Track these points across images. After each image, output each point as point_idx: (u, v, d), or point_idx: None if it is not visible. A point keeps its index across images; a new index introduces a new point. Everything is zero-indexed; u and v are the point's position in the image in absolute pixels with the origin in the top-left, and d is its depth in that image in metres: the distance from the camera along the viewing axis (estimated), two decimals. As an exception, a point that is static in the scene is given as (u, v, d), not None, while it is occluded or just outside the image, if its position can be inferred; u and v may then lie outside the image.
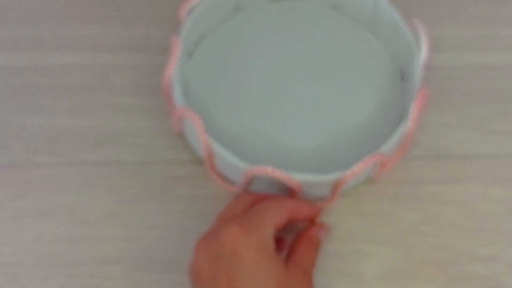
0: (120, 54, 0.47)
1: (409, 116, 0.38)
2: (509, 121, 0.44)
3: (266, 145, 0.41)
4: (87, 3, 0.50)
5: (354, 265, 0.38)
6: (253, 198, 0.34)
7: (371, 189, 0.41)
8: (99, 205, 0.40)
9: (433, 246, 0.39)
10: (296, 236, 0.34)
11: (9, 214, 0.39)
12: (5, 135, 0.42)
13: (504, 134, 0.44)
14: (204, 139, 0.36)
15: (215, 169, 0.40)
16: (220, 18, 0.47)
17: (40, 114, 0.44)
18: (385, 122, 0.42)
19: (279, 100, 0.43)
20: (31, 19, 0.49)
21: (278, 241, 0.35)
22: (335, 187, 0.37)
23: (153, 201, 0.40)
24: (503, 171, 0.42)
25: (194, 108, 0.38)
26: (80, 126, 0.43)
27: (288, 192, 0.38)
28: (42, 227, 0.39)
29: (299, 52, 0.46)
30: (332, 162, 0.40)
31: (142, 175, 0.41)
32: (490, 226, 0.40)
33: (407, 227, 0.39)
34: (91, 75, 0.46)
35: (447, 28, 0.50)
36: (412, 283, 0.37)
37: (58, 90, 0.45)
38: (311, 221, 0.35)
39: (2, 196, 0.40)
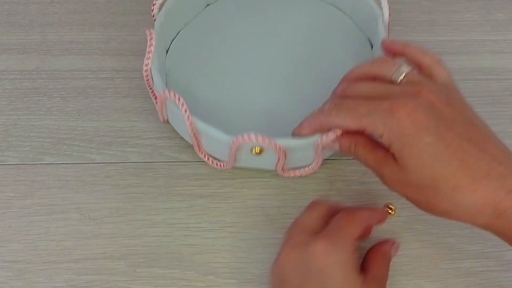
0: (125, 58, 0.48)
1: None
2: (500, 123, 0.45)
3: (251, 120, 0.42)
4: (93, 9, 0.51)
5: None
6: (326, 208, 0.35)
7: (366, 189, 0.41)
8: (105, 203, 0.40)
9: (427, 243, 0.39)
10: (370, 252, 0.36)
11: (17, 212, 0.40)
12: (14, 136, 0.43)
13: (495, 135, 0.45)
14: (187, 116, 0.36)
15: (203, 149, 0.39)
16: (192, 12, 0.47)
17: (48, 116, 0.44)
18: None
19: (257, 79, 0.44)
20: (38, 25, 0.50)
21: None
22: (319, 150, 0.37)
23: (157, 199, 0.40)
24: (494, 171, 0.43)
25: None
26: (87, 127, 0.44)
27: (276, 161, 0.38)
28: (50, 225, 0.39)
29: (269, 33, 0.47)
30: None
31: (146, 175, 0.41)
32: (482, 224, 0.40)
33: (402, 225, 0.40)
34: (97, 78, 0.46)
35: (441, 32, 0.51)
36: (406, 278, 0.37)
37: (65, 92, 0.46)
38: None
39: (11, 194, 0.40)
